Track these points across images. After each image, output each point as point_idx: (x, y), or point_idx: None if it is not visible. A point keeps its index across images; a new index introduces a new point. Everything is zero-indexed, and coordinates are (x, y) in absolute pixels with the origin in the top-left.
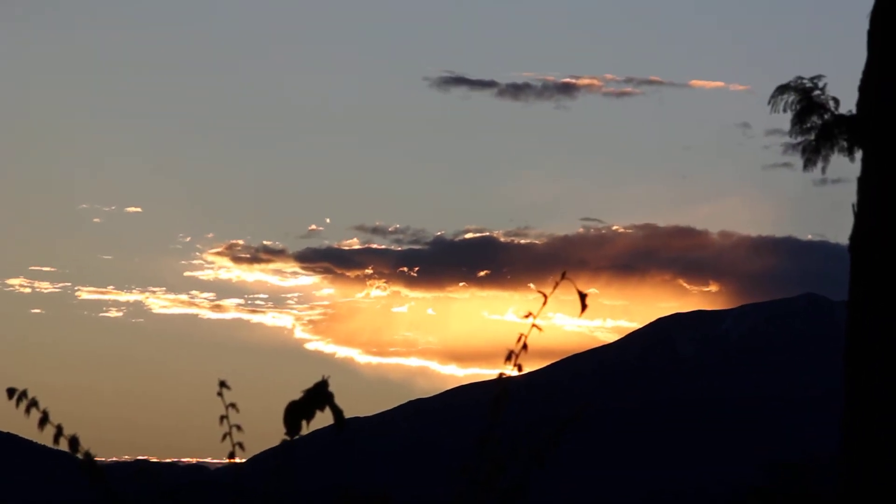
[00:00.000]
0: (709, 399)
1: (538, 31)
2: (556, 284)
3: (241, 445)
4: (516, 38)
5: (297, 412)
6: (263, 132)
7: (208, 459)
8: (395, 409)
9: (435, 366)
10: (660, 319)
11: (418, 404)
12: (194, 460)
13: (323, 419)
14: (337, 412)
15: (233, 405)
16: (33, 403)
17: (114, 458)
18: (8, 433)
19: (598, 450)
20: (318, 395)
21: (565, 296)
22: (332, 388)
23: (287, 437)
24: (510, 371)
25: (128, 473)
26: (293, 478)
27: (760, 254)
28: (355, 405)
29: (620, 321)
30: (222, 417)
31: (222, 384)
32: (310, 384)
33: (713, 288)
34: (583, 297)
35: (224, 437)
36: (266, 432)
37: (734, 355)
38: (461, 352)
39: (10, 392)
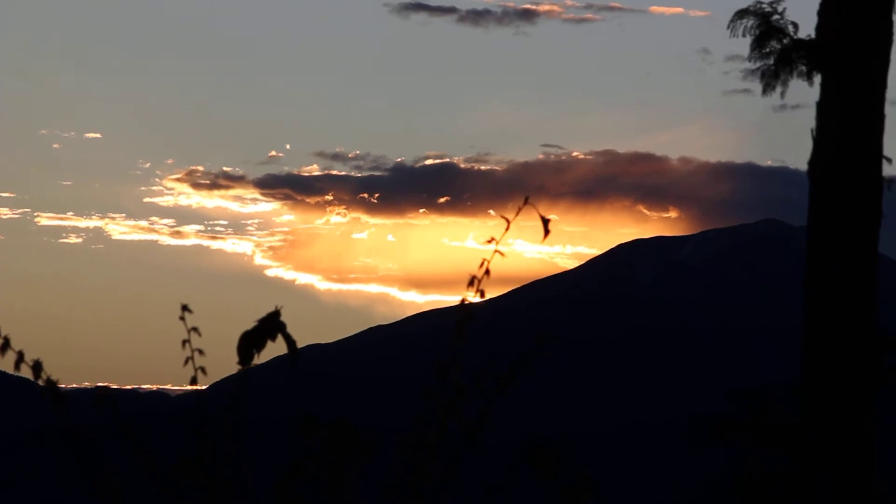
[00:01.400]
0: (670, 325)
1: None
2: (519, 210)
3: (202, 370)
4: None
5: (249, 342)
6: (222, 58)
7: (168, 386)
8: (355, 335)
9: (395, 292)
10: (620, 245)
11: (379, 331)
12: (155, 387)
13: (283, 347)
14: (290, 342)
15: (195, 329)
16: None
17: (74, 385)
18: None
19: (558, 380)
20: (271, 325)
21: (526, 222)
22: (289, 316)
23: (240, 366)
24: (472, 297)
25: (88, 399)
26: (251, 404)
27: (720, 180)
28: (316, 332)
29: (580, 247)
30: (184, 342)
31: (184, 308)
32: (270, 310)
33: (673, 214)
34: (545, 222)
35: (186, 361)
36: (227, 358)
37: (695, 280)
38: (421, 278)
39: None
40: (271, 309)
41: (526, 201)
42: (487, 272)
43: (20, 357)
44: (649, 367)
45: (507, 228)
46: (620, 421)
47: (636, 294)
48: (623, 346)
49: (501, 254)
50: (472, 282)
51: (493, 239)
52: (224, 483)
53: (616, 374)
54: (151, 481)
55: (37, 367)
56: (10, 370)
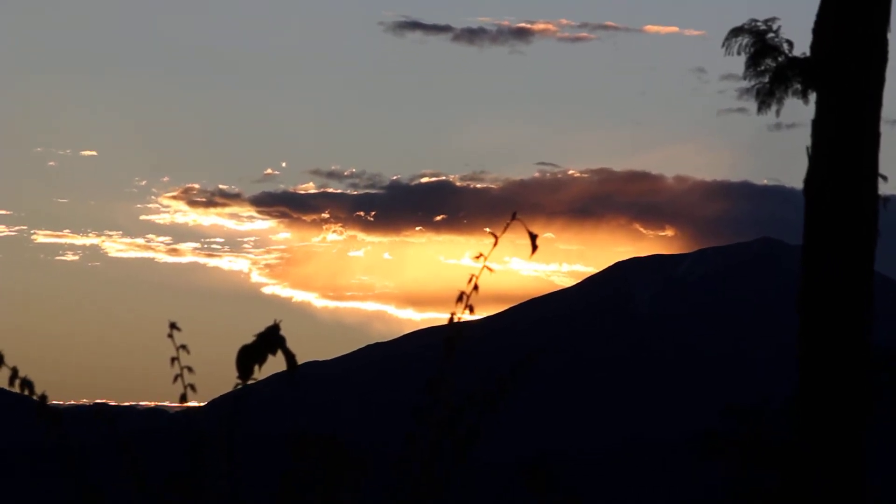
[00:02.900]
0: (667, 342)
1: None
2: (507, 225)
3: (192, 387)
4: None
5: (248, 356)
6: (219, 75)
7: (166, 403)
8: (352, 353)
9: (392, 310)
10: (616, 264)
11: (376, 348)
12: (152, 404)
13: (280, 363)
14: (289, 356)
15: (183, 346)
16: None
17: (71, 402)
18: None
19: (555, 398)
20: (270, 339)
21: (521, 240)
22: (286, 332)
23: (240, 381)
24: (462, 313)
25: (86, 416)
26: (248, 422)
27: (716, 198)
28: (312, 349)
29: (577, 266)
30: (173, 359)
31: (173, 326)
32: (269, 325)
33: (669, 232)
34: (533, 237)
35: (175, 378)
36: (223, 376)
37: (692, 298)
38: (418, 296)
39: None
40: (269, 325)
41: (513, 217)
42: (476, 287)
43: (14, 373)
44: (646, 385)
45: (494, 244)
46: (618, 438)
47: (633, 311)
48: (620, 364)
49: (490, 269)
50: (460, 297)
51: (481, 255)
52: (214, 500)
53: (613, 392)
54: (141, 498)
55: (27, 383)
56: (5, 386)
